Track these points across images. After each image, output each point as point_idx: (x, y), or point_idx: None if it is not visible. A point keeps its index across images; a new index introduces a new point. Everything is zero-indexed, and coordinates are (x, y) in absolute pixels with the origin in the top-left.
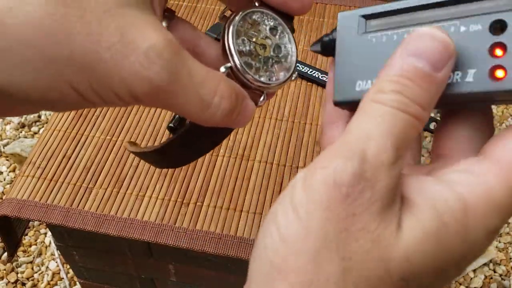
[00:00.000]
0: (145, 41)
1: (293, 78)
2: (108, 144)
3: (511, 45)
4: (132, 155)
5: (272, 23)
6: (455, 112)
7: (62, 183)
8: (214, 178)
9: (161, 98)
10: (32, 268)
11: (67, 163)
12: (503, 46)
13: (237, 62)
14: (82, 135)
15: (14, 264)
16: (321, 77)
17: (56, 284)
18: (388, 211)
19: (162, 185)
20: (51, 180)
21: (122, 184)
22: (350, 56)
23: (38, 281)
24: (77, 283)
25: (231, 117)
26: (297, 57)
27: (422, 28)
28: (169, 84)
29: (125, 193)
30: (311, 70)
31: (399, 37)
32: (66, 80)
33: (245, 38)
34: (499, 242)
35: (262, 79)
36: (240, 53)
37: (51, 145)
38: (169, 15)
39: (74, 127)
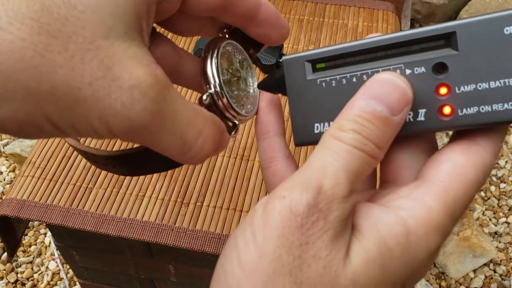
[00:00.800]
0: (131, 79)
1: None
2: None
3: (454, 84)
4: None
5: (240, 57)
6: (397, 138)
7: (62, 183)
8: (214, 178)
9: (139, 136)
10: (32, 268)
11: (67, 163)
12: (447, 86)
13: (220, 91)
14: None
15: (14, 264)
16: None
17: (56, 284)
18: (340, 239)
19: (162, 185)
20: (51, 180)
21: (122, 184)
22: (303, 100)
23: (38, 281)
24: (77, 283)
25: (210, 155)
26: (259, 92)
27: (384, 74)
28: (150, 125)
29: (125, 193)
30: None
31: (348, 82)
32: (45, 115)
33: (223, 68)
34: (499, 242)
35: (237, 109)
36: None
37: (51, 145)
38: (151, 32)
39: None
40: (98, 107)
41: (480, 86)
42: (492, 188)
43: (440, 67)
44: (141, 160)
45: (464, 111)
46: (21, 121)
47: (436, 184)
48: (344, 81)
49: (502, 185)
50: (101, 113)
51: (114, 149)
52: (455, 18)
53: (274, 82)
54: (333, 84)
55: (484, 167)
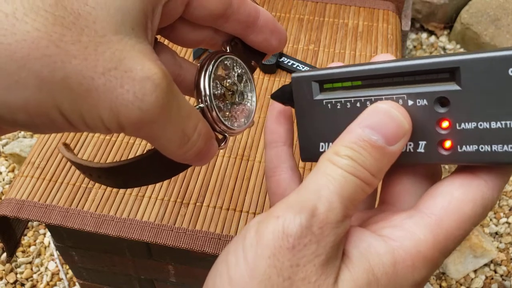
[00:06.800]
0: (143, 70)
1: (251, 125)
2: (108, 144)
3: (455, 120)
4: (131, 155)
5: (239, 71)
6: (398, 166)
7: (61, 183)
8: (214, 178)
9: (147, 129)
10: (31, 269)
11: (66, 163)
12: (448, 120)
13: (210, 104)
14: (81, 135)
15: (13, 264)
16: None
17: (55, 285)
18: (330, 265)
19: (162, 185)
20: (50, 180)
21: None
22: (309, 118)
23: (37, 281)
24: (76, 283)
25: (199, 155)
26: (256, 106)
27: (383, 104)
28: (159, 116)
29: (124, 193)
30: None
31: (352, 106)
32: (56, 105)
33: (218, 82)
34: (500, 242)
35: (227, 123)
36: (213, 96)
37: (50, 145)
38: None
39: None
40: (110, 97)
41: (481, 125)
42: None
43: (443, 100)
44: (134, 172)
45: (464, 148)
46: (32, 110)
47: (428, 216)
48: (348, 104)
49: None
50: (112, 103)
51: (107, 162)
52: (455, 18)
53: (285, 95)
54: (338, 107)
55: (483, 202)
